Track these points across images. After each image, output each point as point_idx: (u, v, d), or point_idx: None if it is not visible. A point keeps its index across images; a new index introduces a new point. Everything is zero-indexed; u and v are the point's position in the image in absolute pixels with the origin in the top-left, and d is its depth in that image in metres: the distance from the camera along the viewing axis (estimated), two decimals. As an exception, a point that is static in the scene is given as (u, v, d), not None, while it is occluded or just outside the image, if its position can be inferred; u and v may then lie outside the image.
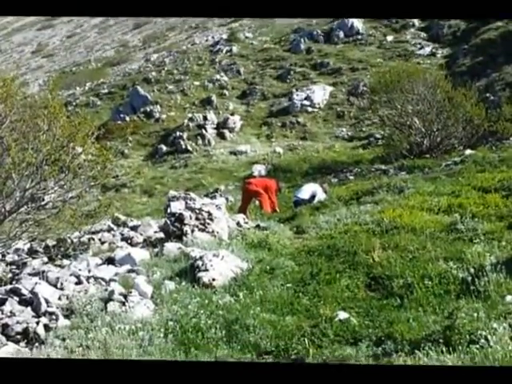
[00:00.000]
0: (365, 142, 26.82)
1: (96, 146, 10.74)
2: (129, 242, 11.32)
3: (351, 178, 20.51)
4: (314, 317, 7.60)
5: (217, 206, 12.19)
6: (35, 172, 10.30)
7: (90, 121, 10.94)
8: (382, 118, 23.78)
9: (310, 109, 31.38)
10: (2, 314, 7.65)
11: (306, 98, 31.86)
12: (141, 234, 11.60)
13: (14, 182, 10.22)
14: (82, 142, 10.48)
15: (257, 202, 16.96)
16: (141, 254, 10.14)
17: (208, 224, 11.16)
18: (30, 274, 9.28)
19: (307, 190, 16.38)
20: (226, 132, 30.20)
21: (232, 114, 31.58)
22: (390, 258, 9.28)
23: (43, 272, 8.95)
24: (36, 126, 10.14)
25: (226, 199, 18.22)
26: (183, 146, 29.00)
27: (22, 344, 7.23)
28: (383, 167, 19.95)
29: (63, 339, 7.11)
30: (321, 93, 32.10)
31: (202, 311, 7.65)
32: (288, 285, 8.73)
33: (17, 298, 8.03)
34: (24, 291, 8.12)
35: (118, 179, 26.09)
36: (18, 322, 7.48)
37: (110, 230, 12.20)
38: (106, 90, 39.80)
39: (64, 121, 10.15)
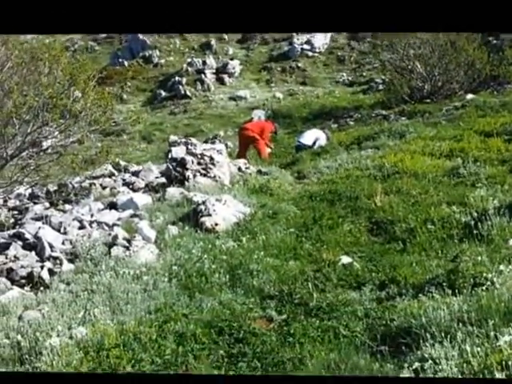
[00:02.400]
0: (365, 87, 26.55)
1: (97, 89, 10.59)
2: (130, 187, 11.27)
3: (351, 123, 20.31)
4: (316, 261, 7.58)
5: (218, 151, 12.09)
6: (36, 116, 10.18)
7: (90, 64, 10.77)
8: (383, 63, 23.46)
9: (310, 53, 31.02)
10: (6, 258, 7.65)
11: (306, 43, 31.46)
12: (142, 179, 11.54)
13: (15, 127, 10.11)
14: (83, 85, 10.34)
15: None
16: (143, 199, 10.09)
17: (210, 169, 11.09)
18: (33, 219, 9.25)
19: (310, 135, 16.25)
20: (226, 77, 29.84)
21: (231, 59, 31.19)
22: (393, 202, 9.25)
23: (46, 217, 8.92)
24: (37, 69, 9.97)
25: (226, 145, 18.05)
26: (182, 92, 28.64)
27: (27, 288, 7.24)
28: (384, 112, 19.75)
29: (68, 283, 7.12)
30: (321, 37, 31.66)
31: (205, 256, 7.64)
32: (290, 230, 8.69)
33: (20, 243, 8.02)
34: (28, 236, 8.11)
35: (116, 125, 25.83)
36: (22, 267, 7.48)
37: (111, 175, 12.14)
38: (105, 35, 39.18)
39: (65, 63, 9.99)
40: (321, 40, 31.53)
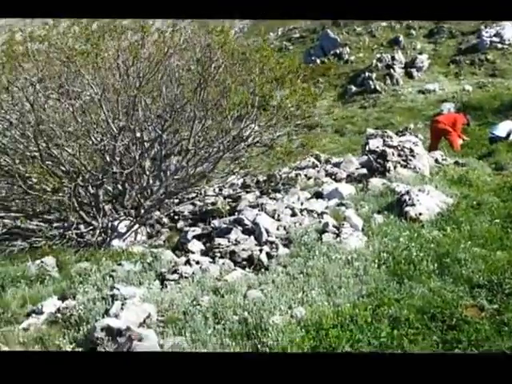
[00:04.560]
0: (560, 78, 24.81)
1: (303, 86, 10.76)
2: (333, 177, 11.34)
3: (547, 114, 19.08)
4: (525, 253, 7.19)
5: (414, 143, 11.84)
6: (248, 113, 10.53)
7: (296, 61, 10.95)
8: None
9: (499, 45, 29.42)
10: (229, 242, 8.00)
11: (495, 35, 29.89)
12: (344, 170, 11.57)
13: (228, 122, 10.52)
14: (289, 84, 10.55)
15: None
16: (347, 189, 10.11)
17: (410, 160, 10.89)
18: (249, 206, 9.58)
19: (504, 127, 15.47)
20: (414, 71, 29.15)
21: (420, 54, 30.40)
22: None
23: (261, 204, 9.21)
24: (249, 70, 10.31)
25: (416, 137, 17.64)
26: (372, 86, 28.41)
27: (248, 269, 7.52)
28: None
29: (284, 266, 7.29)
30: (511, 29, 29.96)
31: (412, 244, 7.51)
32: (495, 220, 8.32)
33: (240, 228, 8.35)
34: (246, 222, 8.41)
35: (311, 119, 26.08)
36: (243, 250, 7.78)
37: (314, 166, 12.30)
38: (298, 35, 39.76)
39: (274, 63, 10.23)
40: (510, 32, 29.83)
